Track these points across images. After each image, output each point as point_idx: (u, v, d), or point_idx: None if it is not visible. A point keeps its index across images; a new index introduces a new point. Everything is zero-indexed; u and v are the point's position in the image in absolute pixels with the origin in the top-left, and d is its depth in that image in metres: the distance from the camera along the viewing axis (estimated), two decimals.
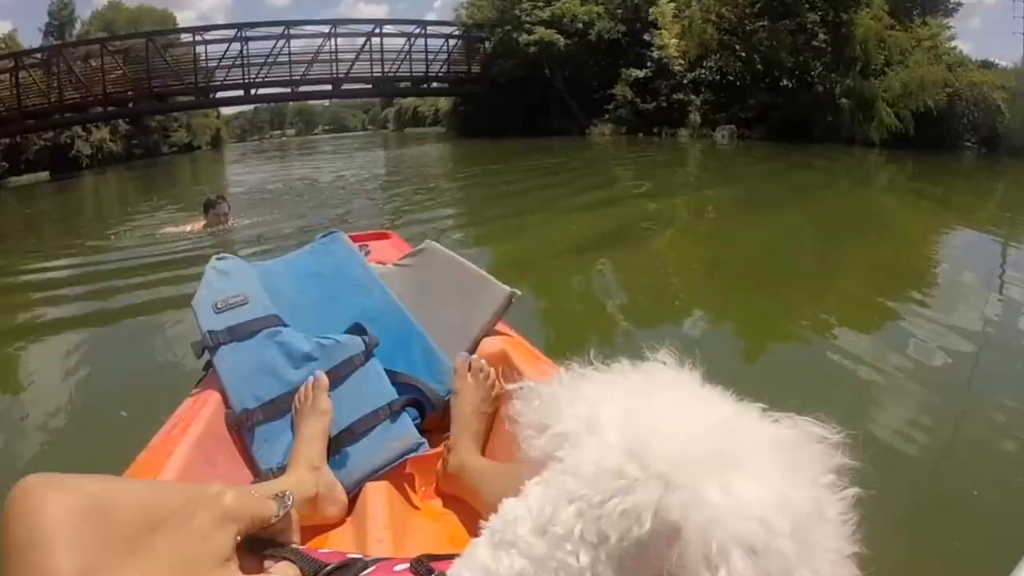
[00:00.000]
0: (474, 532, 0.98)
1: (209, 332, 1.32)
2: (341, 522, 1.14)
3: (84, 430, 2.48)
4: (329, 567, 0.65)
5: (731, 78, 17.36)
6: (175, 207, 9.39)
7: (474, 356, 1.36)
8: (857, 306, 3.77)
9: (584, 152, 15.07)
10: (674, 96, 18.20)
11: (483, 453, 1.25)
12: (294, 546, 0.68)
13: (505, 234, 6.00)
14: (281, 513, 0.67)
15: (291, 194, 10.62)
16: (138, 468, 1.04)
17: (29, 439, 2.61)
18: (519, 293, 1.48)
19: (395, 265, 1.67)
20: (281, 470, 1.16)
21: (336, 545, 1.06)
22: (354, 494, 1.17)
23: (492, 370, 1.34)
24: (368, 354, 1.31)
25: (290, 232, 6.30)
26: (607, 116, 19.88)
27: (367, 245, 2.31)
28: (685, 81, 18.21)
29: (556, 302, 3.97)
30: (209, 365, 1.36)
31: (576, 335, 3.23)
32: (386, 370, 1.33)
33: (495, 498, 0.88)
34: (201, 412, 1.22)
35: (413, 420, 1.30)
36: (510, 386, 0.58)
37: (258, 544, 0.67)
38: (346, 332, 1.35)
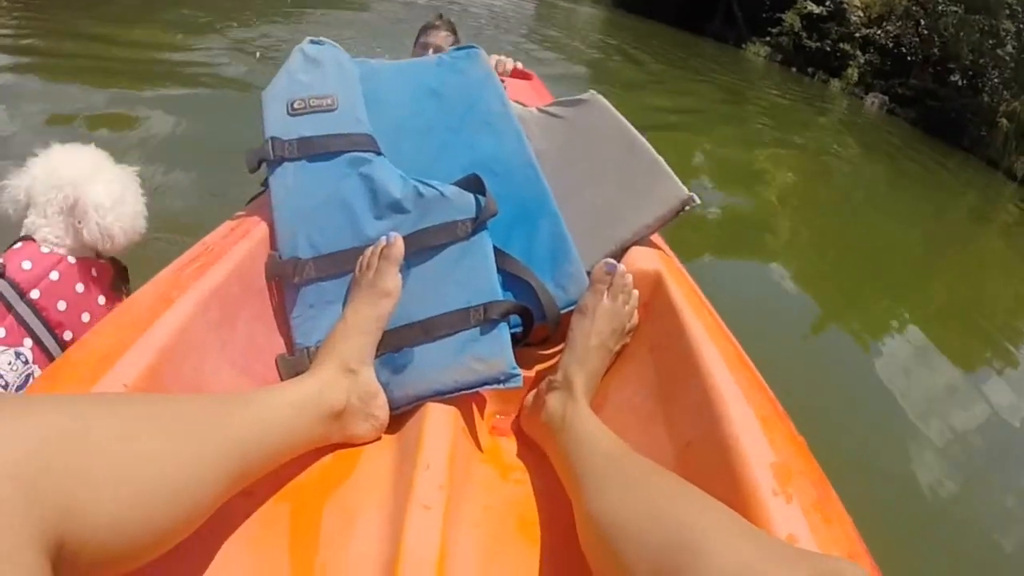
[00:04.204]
0: (546, 506, 0.77)
1: (272, 139, 0.96)
2: (377, 438, 0.82)
3: None
4: None
5: (903, 50, 16.12)
6: None
7: (621, 266, 0.95)
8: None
9: (734, 72, 14.16)
10: (840, 44, 17.04)
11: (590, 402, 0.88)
12: None
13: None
14: None
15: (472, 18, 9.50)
16: (135, 303, 0.78)
17: None
18: (698, 201, 1.06)
19: (541, 111, 1.23)
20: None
21: (366, 475, 0.75)
22: (404, 412, 0.85)
23: (637, 293, 0.96)
24: (480, 224, 0.92)
25: None
26: (768, 38, 18.62)
27: (503, 80, 1.90)
28: (857, 35, 16.99)
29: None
30: (266, 184, 1.00)
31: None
32: (495, 249, 0.95)
33: (590, 483, 0.67)
34: (236, 246, 0.90)
35: (512, 329, 0.92)
36: None
37: None
38: (457, 183, 0.96)
